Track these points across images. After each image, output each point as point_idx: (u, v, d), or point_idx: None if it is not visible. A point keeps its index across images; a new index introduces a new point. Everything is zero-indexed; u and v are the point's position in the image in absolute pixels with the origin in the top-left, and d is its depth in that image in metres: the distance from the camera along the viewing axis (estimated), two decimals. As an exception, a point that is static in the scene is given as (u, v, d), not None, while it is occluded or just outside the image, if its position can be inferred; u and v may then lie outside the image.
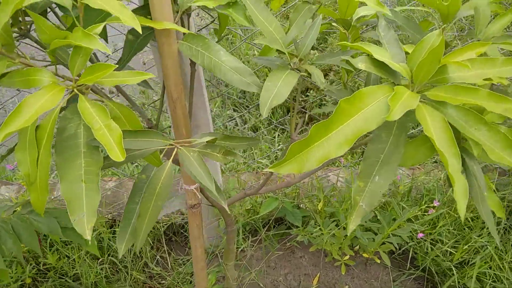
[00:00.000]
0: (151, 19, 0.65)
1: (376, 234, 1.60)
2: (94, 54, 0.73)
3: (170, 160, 0.63)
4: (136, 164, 2.24)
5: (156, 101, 2.43)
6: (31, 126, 0.52)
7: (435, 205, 1.53)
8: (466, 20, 2.55)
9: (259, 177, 1.91)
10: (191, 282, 1.68)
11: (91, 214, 0.51)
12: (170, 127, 1.75)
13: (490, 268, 1.50)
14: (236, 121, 2.56)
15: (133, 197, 0.68)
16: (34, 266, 1.69)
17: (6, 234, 0.90)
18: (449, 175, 0.54)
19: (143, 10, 0.69)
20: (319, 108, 2.54)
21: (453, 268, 1.52)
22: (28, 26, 0.64)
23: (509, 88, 0.71)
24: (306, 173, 1.09)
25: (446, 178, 1.51)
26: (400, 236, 1.53)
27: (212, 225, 1.71)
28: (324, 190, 1.73)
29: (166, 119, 2.47)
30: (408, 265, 1.64)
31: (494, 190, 1.56)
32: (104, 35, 0.71)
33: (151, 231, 1.87)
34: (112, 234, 1.78)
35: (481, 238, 1.53)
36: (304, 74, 0.70)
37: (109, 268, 1.73)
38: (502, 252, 1.55)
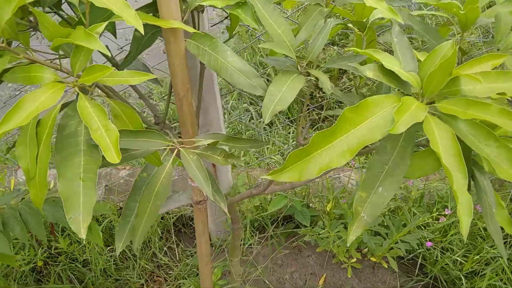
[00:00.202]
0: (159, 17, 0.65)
1: (384, 238, 1.57)
2: (106, 46, 0.73)
3: (170, 161, 0.63)
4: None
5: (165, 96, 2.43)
6: (32, 122, 0.53)
7: (447, 213, 1.49)
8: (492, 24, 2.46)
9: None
10: (197, 275, 1.69)
11: (87, 213, 0.51)
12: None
13: (501, 280, 1.46)
14: (251, 114, 2.55)
15: (133, 195, 0.69)
16: (45, 249, 1.73)
17: (14, 220, 0.92)
18: (453, 191, 0.52)
19: (153, 7, 0.68)
20: (338, 106, 2.50)
21: (463, 278, 1.49)
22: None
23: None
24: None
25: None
26: (408, 242, 1.51)
27: (221, 219, 1.72)
28: (334, 190, 1.71)
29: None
30: (417, 271, 1.61)
31: (507, 204, 1.52)
32: (112, 30, 0.71)
33: (160, 221, 1.89)
34: (123, 222, 1.80)
35: (493, 249, 1.49)
36: (313, 78, 0.69)
37: (118, 256, 1.75)
38: (515, 265, 1.51)
